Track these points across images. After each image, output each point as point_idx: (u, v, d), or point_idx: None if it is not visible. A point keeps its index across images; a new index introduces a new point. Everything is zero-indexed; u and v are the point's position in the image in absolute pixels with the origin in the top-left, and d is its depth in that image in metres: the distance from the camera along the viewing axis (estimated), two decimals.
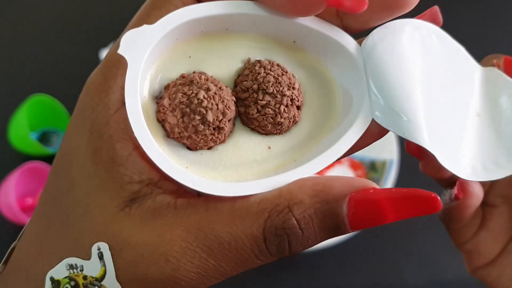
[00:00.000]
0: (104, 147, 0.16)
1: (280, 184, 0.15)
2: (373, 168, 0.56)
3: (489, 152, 0.19)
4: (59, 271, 0.15)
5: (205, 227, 0.15)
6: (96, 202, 0.15)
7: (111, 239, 0.15)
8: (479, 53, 0.73)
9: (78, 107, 0.19)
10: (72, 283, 0.15)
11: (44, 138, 0.61)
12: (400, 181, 0.57)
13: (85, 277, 0.15)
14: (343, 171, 0.56)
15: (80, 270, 0.15)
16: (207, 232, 0.15)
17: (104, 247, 0.15)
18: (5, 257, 0.19)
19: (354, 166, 0.56)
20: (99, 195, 0.15)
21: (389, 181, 0.53)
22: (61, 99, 0.62)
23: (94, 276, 0.15)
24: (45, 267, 0.16)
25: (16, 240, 0.19)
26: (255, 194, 0.15)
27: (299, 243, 0.15)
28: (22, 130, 0.55)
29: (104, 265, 0.15)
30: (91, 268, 0.15)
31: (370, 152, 0.57)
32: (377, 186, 0.15)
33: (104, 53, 0.63)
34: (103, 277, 0.15)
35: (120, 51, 0.16)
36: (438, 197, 0.15)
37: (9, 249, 0.19)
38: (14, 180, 0.53)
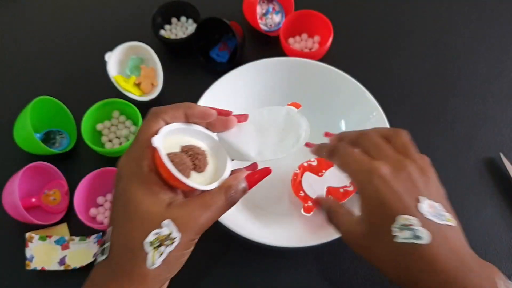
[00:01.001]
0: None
1: (220, 183, 0.38)
2: None
3: (271, 147, 0.42)
4: (150, 237, 0.33)
5: (202, 203, 0.35)
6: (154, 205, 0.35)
7: (170, 218, 0.34)
8: (479, 54, 0.73)
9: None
10: (157, 241, 0.33)
11: (48, 138, 0.62)
12: None
13: (163, 236, 0.33)
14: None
15: (160, 234, 0.33)
16: (205, 205, 0.35)
17: (169, 221, 0.33)
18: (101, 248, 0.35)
19: None
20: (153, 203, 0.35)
21: None
22: (65, 101, 0.63)
23: (166, 234, 0.33)
24: (141, 238, 0.33)
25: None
26: (213, 188, 0.37)
27: (237, 195, 0.37)
28: (26, 130, 0.56)
29: (170, 228, 0.33)
30: (164, 231, 0.33)
31: None
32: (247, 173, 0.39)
33: (109, 56, 0.64)
34: (170, 233, 0.33)
35: (153, 144, 0.34)
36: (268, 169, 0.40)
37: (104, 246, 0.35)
38: (18, 179, 0.53)
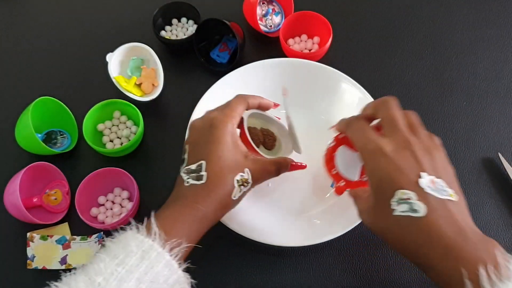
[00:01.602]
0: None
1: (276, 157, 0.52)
2: None
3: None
4: (238, 177, 0.45)
5: (263, 166, 0.48)
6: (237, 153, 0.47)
7: (248, 167, 0.46)
8: (477, 54, 0.74)
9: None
10: (241, 181, 0.45)
11: (49, 138, 0.63)
12: None
13: (244, 179, 0.46)
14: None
15: (243, 176, 0.45)
16: (265, 168, 0.48)
17: (248, 170, 0.46)
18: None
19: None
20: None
21: None
22: (66, 101, 0.64)
23: (246, 178, 0.46)
24: (233, 175, 0.44)
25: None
26: (271, 158, 0.51)
27: (282, 170, 0.50)
28: (28, 131, 0.56)
29: (247, 172, 0.46)
30: (246, 175, 0.46)
31: None
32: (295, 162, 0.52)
33: (110, 57, 0.64)
34: (247, 179, 0.46)
35: (244, 116, 0.51)
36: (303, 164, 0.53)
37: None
38: (20, 179, 0.54)
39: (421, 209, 0.36)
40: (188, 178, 0.43)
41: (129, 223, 0.41)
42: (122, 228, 0.41)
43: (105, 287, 0.34)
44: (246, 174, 0.45)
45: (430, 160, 0.39)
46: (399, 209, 0.37)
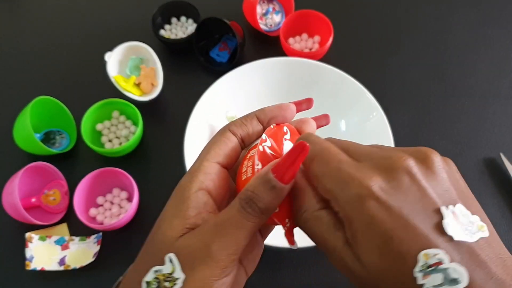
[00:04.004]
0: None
1: None
2: None
3: None
4: (149, 276, 0.25)
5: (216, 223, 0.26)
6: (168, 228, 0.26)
7: (176, 251, 0.25)
8: (479, 54, 0.74)
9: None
10: (156, 280, 0.25)
11: (48, 138, 0.62)
12: None
13: (163, 275, 0.25)
14: None
15: (160, 272, 0.25)
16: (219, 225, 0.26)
17: (172, 255, 0.25)
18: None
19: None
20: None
21: None
22: (64, 101, 0.63)
23: (167, 272, 0.25)
24: (140, 275, 0.25)
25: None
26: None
27: (261, 202, 0.26)
28: (26, 131, 0.56)
29: (173, 265, 0.25)
30: (165, 268, 0.25)
31: None
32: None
33: (109, 56, 0.64)
34: (172, 272, 0.25)
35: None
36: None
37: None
38: (18, 179, 0.53)
39: (463, 276, 0.23)
40: None
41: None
42: None
43: None
44: (168, 266, 0.26)
45: (434, 180, 0.25)
46: (431, 283, 0.23)
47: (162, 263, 0.25)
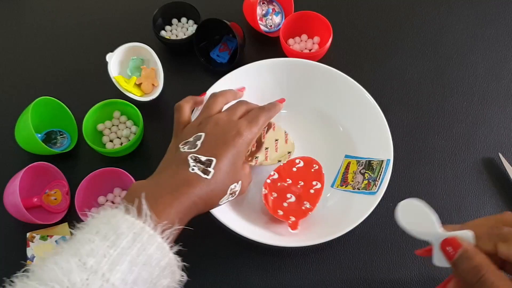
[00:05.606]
0: None
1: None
2: (370, 168, 0.57)
3: None
4: (231, 186, 0.46)
5: (250, 174, 0.52)
6: None
7: (240, 177, 0.49)
8: (477, 54, 0.74)
9: None
10: (232, 190, 0.47)
11: (49, 138, 0.63)
12: (395, 180, 0.58)
13: (236, 190, 0.48)
14: None
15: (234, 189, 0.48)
16: (250, 175, 0.53)
17: (240, 182, 0.48)
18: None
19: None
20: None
21: (385, 180, 0.54)
22: (66, 101, 0.63)
23: (237, 190, 0.48)
24: (229, 183, 0.46)
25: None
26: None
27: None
28: (27, 131, 0.56)
29: (239, 184, 0.48)
30: (236, 186, 0.47)
31: (368, 153, 0.59)
32: None
33: (110, 57, 0.64)
34: (238, 188, 0.48)
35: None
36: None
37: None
38: (19, 179, 0.54)
39: None
40: (195, 166, 0.43)
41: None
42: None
43: (97, 270, 0.33)
44: (238, 186, 0.47)
45: None
46: None
47: (236, 182, 0.47)
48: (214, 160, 0.44)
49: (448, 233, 0.34)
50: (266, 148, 0.57)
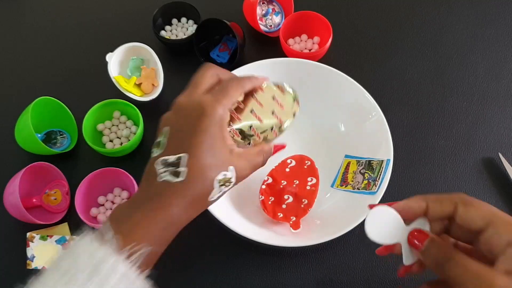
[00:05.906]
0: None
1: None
2: (370, 168, 0.57)
3: None
4: (220, 176, 0.38)
5: (246, 155, 0.41)
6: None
7: (230, 163, 0.39)
8: (477, 55, 0.74)
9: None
10: (222, 181, 0.38)
11: (49, 138, 0.63)
12: (395, 180, 0.58)
13: (226, 178, 0.38)
14: None
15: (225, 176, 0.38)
16: (247, 157, 0.41)
17: (232, 168, 0.39)
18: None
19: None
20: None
21: (385, 180, 0.54)
22: (66, 101, 0.63)
23: (229, 177, 0.38)
24: (214, 175, 0.37)
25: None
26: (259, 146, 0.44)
27: (268, 155, 0.44)
28: (27, 131, 0.56)
29: (232, 171, 0.38)
30: (228, 175, 0.38)
31: (368, 153, 0.59)
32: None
33: (110, 57, 0.64)
34: (230, 178, 0.38)
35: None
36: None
37: None
38: (19, 179, 0.54)
39: None
40: (163, 172, 0.37)
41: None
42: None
43: None
44: (230, 173, 0.38)
45: None
46: None
47: (226, 170, 0.38)
48: (185, 156, 0.36)
49: (411, 226, 0.35)
50: (272, 112, 0.46)
